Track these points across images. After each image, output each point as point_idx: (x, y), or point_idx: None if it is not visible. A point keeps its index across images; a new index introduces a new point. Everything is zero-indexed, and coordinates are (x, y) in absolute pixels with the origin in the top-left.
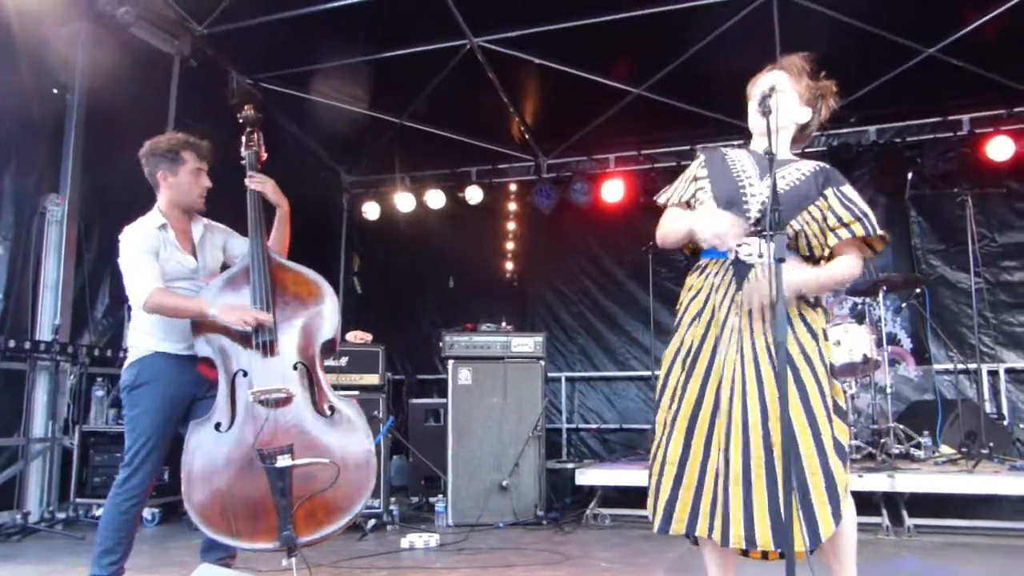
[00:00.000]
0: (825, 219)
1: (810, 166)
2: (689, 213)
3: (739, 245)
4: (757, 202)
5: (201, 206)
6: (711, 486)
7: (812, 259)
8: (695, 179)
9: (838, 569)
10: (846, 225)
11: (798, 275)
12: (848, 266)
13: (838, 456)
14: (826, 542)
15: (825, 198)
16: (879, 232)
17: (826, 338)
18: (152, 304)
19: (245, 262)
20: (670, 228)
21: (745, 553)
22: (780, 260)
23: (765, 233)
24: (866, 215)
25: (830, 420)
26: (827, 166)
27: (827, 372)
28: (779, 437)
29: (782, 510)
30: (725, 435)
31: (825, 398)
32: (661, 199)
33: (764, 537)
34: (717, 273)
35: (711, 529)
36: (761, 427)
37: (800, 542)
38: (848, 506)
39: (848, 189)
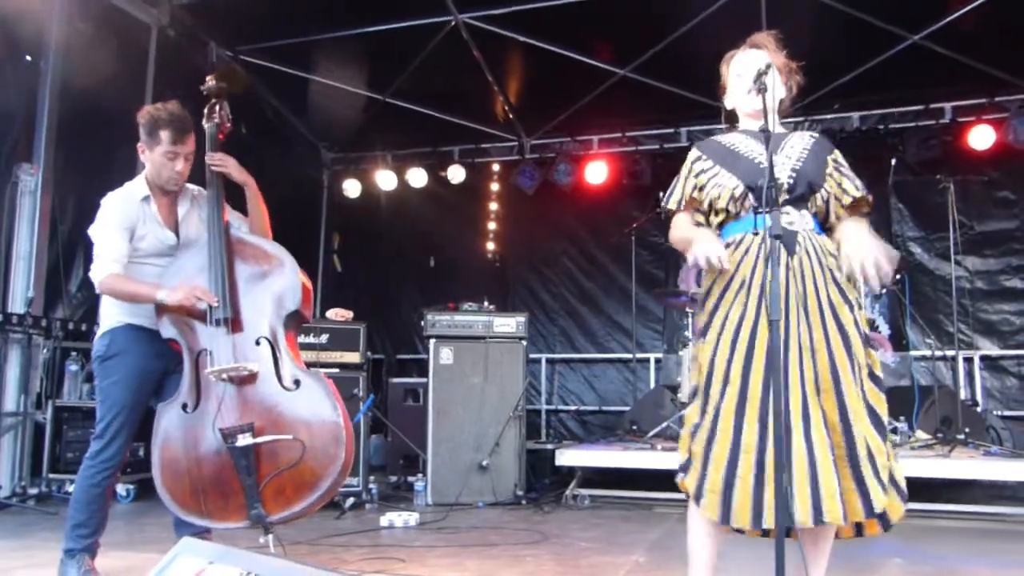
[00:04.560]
0: (840, 185)
1: (808, 136)
2: (689, 229)
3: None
4: (785, 170)
5: (173, 188)
6: (772, 471)
7: (832, 229)
8: (701, 172)
9: (814, 553)
10: (848, 191)
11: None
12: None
13: (877, 425)
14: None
15: (829, 163)
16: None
17: (860, 307)
18: (105, 288)
19: (203, 239)
20: (678, 239)
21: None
22: (777, 237)
23: (760, 210)
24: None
25: (867, 388)
26: (817, 134)
27: (863, 340)
28: (832, 408)
29: (842, 482)
30: (803, 414)
31: (861, 368)
32: (671, 204)
33: (833, 511)
34: (760, 246)
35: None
36: (817, 399)
37: (859, 512)
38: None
39: (839, 154)
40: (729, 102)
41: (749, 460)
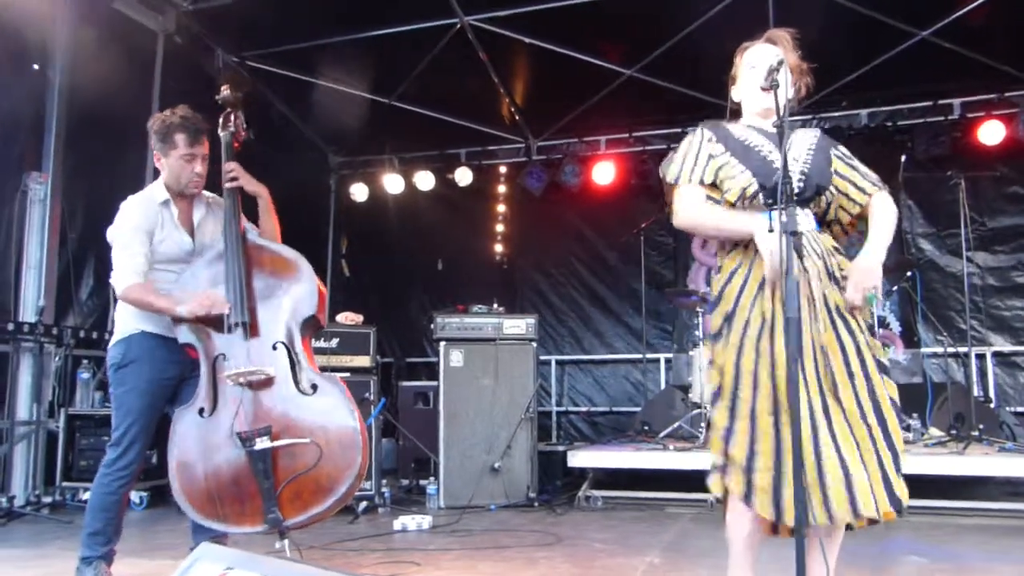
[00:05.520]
0: (850, 182)
1: (812, 134)
2: (741, 215)
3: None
4: (795, 173)
5: (193, 191)
6: (813, 469)
7: (833, 223)
8: (711, 156)
9: (828, 544)
10: (870, 183)
11: (878, 254)
12: (891, 211)
13: (895, 414)
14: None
15: (834, 161)
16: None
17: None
18: (128, 298)
19: (221, 245)
20: (708, 221)
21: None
22: (794, 233)
23: (776, 207)
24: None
25: (884, 382)
26: (820, 130)
27: (869, 331)
28: (851, 403)
29: (871, 477)
30: (823, 411)
31: (871, 359)
32: (670, 176)
33: (868, 504)
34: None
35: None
36: (836, 395)
37: (886, 504)
38: None
39: (843, 149)
40: (737, 93)
41: (789, 457)
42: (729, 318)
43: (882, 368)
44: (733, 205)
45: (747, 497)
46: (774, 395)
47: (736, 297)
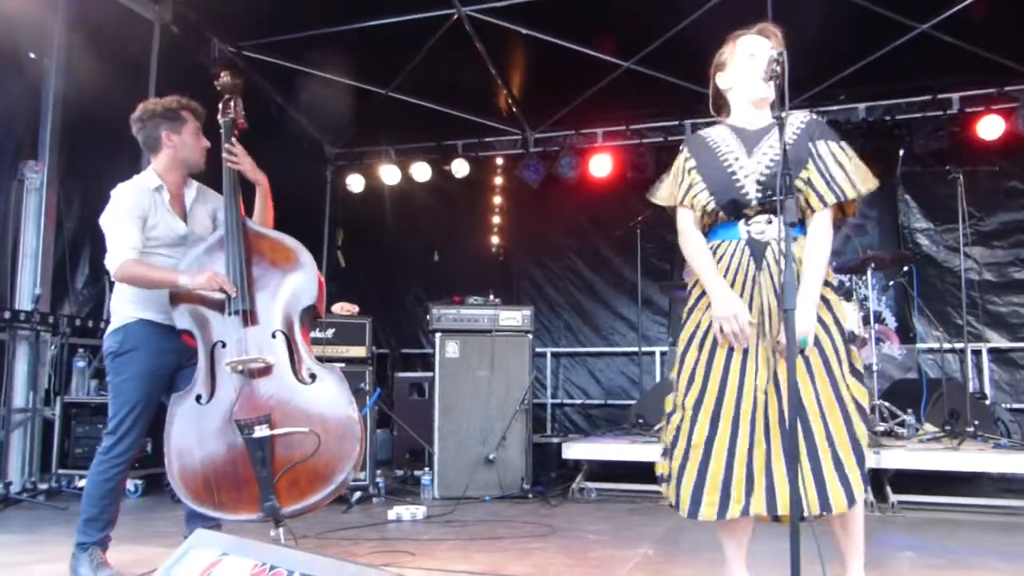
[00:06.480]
0: (813, 188)
1: (798, 122)
2: (718, 279)
3: (748, 224)
4: (752, 182)
5: (203, 165)
6: (742, 466)
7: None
8: (688, 171)
9: (845, 541)
10: (820, 195)
11: (810, 298)
12: (822, 241)
13: (860, 417)
14: (836, 514)
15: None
16: (850, 196)
17: (837, 303)
18: (124, 275)
19: (221, 231)
20: (693, 263)
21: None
22: (792, 224)
23: (776, 198)
24: (835, 179)
25: (847, 383)
26: (815, 118)
27: (843, 336)
28: (811, 406)
29: (825, 472)
30: (763, 413)
31: (842, 363)
32: (658, 200)
33: (811, 500)
34: (733, 255)
35: (748, 507)
36: (776, 405)
37: (841, 503)
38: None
39: (823, 146)
40: (725, 80)
41: (697, 455)
42: (690, 313)
43: (855, 373)
44: (702, 218)
45: (664, 480)
46: (700, 393)
47: (699, 295)
